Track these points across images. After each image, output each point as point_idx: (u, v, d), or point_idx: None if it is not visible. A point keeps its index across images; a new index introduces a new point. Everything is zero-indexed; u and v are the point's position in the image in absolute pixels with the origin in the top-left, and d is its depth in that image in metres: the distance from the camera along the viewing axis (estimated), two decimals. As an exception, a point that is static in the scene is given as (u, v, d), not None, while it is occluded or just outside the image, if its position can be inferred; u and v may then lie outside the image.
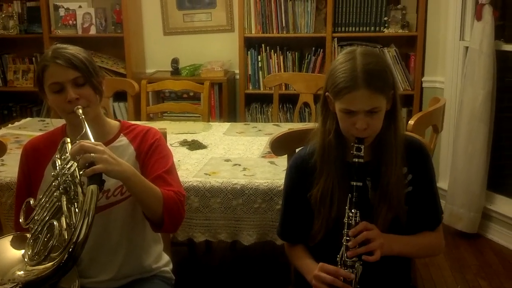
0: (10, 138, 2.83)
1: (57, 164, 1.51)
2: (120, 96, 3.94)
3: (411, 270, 1.80)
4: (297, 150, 1.82)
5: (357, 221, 1.48)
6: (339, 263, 1.48)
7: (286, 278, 1.95)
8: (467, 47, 3.43)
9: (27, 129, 3.07)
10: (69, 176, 1.45)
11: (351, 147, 1.50)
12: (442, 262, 3.13)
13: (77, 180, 1.44)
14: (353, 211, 1.48)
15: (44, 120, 3.32)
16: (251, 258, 3.18)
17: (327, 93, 1.53)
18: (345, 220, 1.48)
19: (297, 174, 1.66)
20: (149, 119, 3.46)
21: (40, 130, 2.98)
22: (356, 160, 1.48)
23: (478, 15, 3.24)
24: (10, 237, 1.54)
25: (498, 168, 3.49)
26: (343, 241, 1.47)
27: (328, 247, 1.53)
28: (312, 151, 1.62)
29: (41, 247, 1.42)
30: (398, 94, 1.53)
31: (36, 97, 4.33)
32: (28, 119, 3.45)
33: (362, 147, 1.48)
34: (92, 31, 4.17)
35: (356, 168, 1.48)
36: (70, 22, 4.17)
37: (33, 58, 4.37)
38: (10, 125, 3.19)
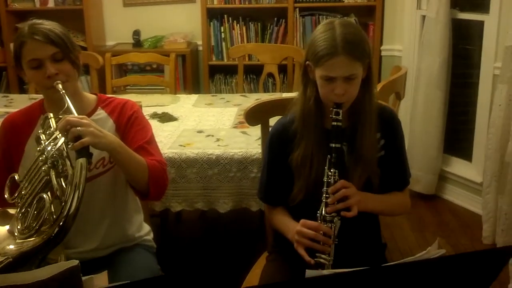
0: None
1: (42, 139, 1.53)
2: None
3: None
4: (270, 120, 1.87)
5: (336, 179, 1.57)
6: (319, 219, 1.56)
7: (259, 246, 2.03)
8: (424, 16, 3.54)
9: (-9, 105, 3.01)
10: (56, 150, 1.47)
11: (330, 112, 1.58)
12: (403, 222, 3.29)
13: (64, 154, 1.46)
14: (332, 170, 1.56)
15: (7, 96, 3.26)
16: (222, 227, 3.24)
17: (307, 61, 1.61)
18: (325, 179, 1.57)
19: (278, 141, 1.73)
20: (113, 92, 3.43)
21: (5, 106, 2.94)
22: (335, 123, 1.56)
23: (434, -15, 3.34)
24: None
25: (454, 132, 3.66)
26: (322, 198, 1.56)
27: (308, 207, 1.62)
28: (293, 119, 1.69)
29: (31, 221, 1.44)
30: (373, 64, 1.63)
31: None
32: (-10, 94, 3.38)
33: (340, 111, 1.56)
34: (51, 4, 4.08)
35: (334, 131, 1.57)
36: (28, -6, 4.06)
37: (-11, 32, 4.23)
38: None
